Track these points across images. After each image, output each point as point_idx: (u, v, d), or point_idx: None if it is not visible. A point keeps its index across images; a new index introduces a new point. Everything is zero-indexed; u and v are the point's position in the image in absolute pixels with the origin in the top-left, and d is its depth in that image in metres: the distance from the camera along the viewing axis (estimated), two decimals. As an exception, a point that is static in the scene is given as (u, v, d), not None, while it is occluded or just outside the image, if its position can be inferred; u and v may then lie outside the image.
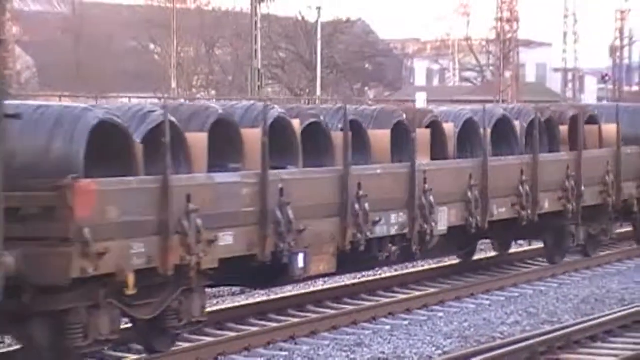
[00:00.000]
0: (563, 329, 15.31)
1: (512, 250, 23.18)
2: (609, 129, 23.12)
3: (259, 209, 14.47)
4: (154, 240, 12.89)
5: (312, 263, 15.53)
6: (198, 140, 14.27)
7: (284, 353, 14.45)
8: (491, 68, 78.17)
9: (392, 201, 17.05)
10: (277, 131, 15.19)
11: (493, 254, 22.55)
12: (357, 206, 16.07)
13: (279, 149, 15.23)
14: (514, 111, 21.63)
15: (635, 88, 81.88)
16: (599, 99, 78.68)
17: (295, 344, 15.05)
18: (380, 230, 16.76)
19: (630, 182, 23.21)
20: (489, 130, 19.46)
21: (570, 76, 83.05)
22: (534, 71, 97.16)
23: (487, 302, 18.15)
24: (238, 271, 15.00)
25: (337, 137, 16.44)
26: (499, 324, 16.33)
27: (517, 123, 20.76)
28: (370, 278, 19.56)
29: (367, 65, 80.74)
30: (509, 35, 67.92)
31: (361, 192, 16.14)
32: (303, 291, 18.42)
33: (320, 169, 16.15)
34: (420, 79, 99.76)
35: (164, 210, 12.96)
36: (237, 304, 17.46)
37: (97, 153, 12.85)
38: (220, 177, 14.25)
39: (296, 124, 15.93)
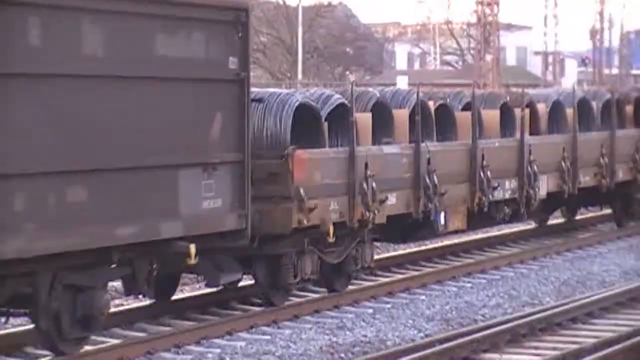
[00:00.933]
0: (544, 310, 15.38)
1: (494, 233, 23.26)
2: None
3: (413, 175, 17.90)
4: (344, 199, 16.37)
5: (450, 221, 18.91)
6: (365, 118, 17.41)
7: (266, 337, 14.46)
8: (472, 51, 78.22)
9: (506, 170, 20.40)
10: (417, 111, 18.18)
11: (477, 236, 22.58)
12: (482, 174, 19.36)
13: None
14: (590, 93, 25.49)
15: (615, 71, 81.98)
16: (579, 81, 78.87)
17: (278, 327, 15.07)
18: (498, 194, 20.00)
19: None
20: (575, 110, 22.71)
21: (550, 59, 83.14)
22: (515, 54, 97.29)
23: (469, 285, 18.23)
24: (395, 228, 18.19)
25: (460, 116, 19.90)
26: (481, 306, 16.40)
27: (593, 103, 24.06)
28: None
29: (348, 50, 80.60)
30: (490, 19, 67.79)
31: (484, 162, 19.41)
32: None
33: (456, 142, 19.61)
34: (401, 63, 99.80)
35: (350, 175, 16.43)
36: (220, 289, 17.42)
37: (295, 128, 16.00)
38: (387, 149, 17.69)
39: (431, 105, 19.00)
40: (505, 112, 21.13)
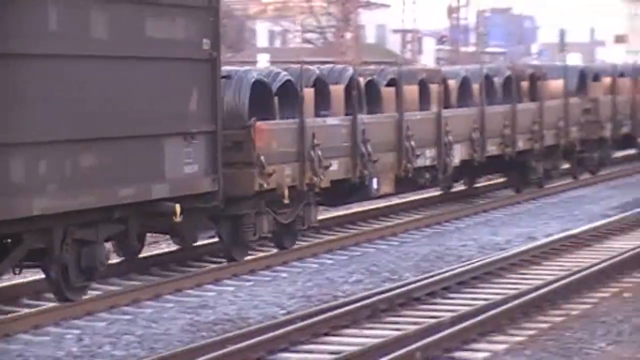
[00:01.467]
0: (403, 286, 15.55)
1: (359, 208, 23.41)
2: (556, 84, 29.33)
3: (351, 144, 20.32)
4: (295, 165, 18.74)
5: (381, 185, 21.33)
6: (309, 93, 19.43)
7: (127, 317, 14.39)
8: (332, 30, 78.45)
9: (426, 140, 22.84)
10: (352, 87, 20.59)
11: (334, 214, 22.69)
12: (407, 143, 21.81)
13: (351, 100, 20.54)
14: (492, 70, 27.90)
15: (472, 48, 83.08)
16: (437, 59, 79.71)
17: (139, 307, 14.98)
18: (420, 162, 22.51)
19: (574, 127, 29.51)
20: (481, 86, 25.52)
21: (409, 37, 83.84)
22: (374, 32, 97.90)
23: (330, 262, 18.32)
24: (335, 191, 20.43)
25: (385, 91, 22.24)
26: (342, 282, 16.50)
27: (496, 79, 26.70)
28: (212, 240, 19.47)
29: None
30: (349, -3, 68.17)
31: (409, 133, 21.92)
32: (147, 254, 18.23)
33: (385, 115, 21.94)
34: (262, 41, 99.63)
35: (300, 144, 18.79)
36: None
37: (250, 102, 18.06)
38: (329, 121, 20.14)
39: (361, 81, 21.29)
40: (423, 87, 23.55)
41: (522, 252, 18.28)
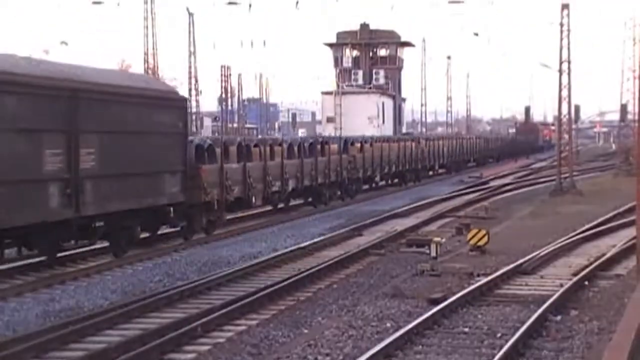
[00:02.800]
0: (190, 283, 15.47)
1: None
2: (334, 146, 33.51)
3: (242, 178, 24.51)
4: (218, 189, 22.73)
5: (257, 200, 26.18)
6: (223, 149, 23.90)
7: (-3, 309, 13.75)
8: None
9: (275, 176, 27.08)
10: (240, 148, 25.62)
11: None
12: (268, 177, 26.36)
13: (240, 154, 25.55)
14: (295, 140, 32.38)
15: (235, 125, 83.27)
16: (213, 132, 79.39)
17: (6, 301, 14.39)
18: (275, 188, 27.14)
19: (344, 170, 33.45)
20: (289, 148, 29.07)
21: (194, 117, 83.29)
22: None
23: (141, 268, 18.00)
24: (234, 204, 24.68)
25: (232, 149, 25.23)
26: (148, 282, 16.28)
27: (296, 145, 30.00)
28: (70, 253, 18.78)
29: None
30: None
31: (268, 171, 26.47)
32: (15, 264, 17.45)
33: (254, 163, 25.85)
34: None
35: (221, 177, 22.99)
36: None
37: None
38: (232, 166, 24.15)
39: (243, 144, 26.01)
40: (239, 147, 25.72)
41: (269, 259, 18.39)
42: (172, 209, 20.12)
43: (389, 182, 41.98)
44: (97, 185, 17.11)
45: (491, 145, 70.81)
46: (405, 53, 78.17)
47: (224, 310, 12.96)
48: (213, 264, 18.35)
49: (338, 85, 68.29)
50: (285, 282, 15.28)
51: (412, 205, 30.89)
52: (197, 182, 21.50)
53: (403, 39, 77.33)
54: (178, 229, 21.71)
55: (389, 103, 72.44)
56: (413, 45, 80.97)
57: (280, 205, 29.22)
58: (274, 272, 17.23)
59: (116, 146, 17.85)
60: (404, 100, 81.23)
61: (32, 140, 15.55)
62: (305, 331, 12.14)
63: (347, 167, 33.66)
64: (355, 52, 74.41)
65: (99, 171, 17.09)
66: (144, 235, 20.58)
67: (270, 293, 14.39)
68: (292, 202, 30.34)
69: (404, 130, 76.48)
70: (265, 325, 12.41)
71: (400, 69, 77.14)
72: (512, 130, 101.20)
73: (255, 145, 26.90)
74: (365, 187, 38.02)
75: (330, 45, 74.72)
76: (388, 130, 67.67)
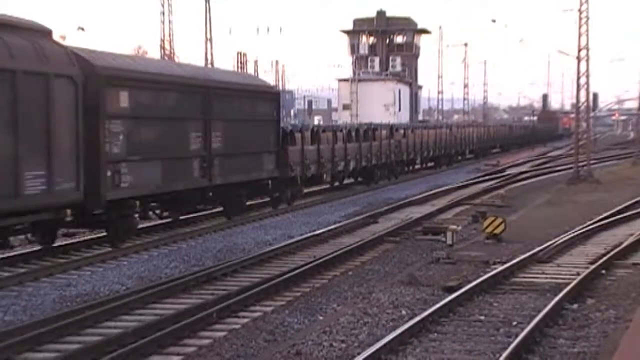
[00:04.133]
0: (206, 269, 15.51)
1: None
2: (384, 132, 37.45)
3: (317, 157, 29.05)
4: (300, 165, 27.59)
5: (328, 176, 32.59)
6: (299, 135, 28.04)
7: (13, 293, 13.94)
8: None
9: (349, 156, 32.67)
10: (313, 133, 29.92)
11: (161, 222, 22.35)
12: (335, 158, 31.05)
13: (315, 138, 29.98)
14: (353, 126, 35.60)
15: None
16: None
17: (22, 286, 14.50)
18: (339, 168, 31.98)
19: (392, 153, 37.71)
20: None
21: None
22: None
23: (156, 254, 18.06)
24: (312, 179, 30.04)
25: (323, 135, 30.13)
26: (164, 268, 16.34)
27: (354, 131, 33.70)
28: (73, 241, 18.89)
29: None
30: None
31: (338, 153, 31.48)
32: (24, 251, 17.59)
33: (323, 145, 30.00)
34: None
35: (301, 156, 27.47)
36: None
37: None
38: (310, 147, 28.63)
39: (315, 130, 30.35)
40: (312, 132, 29.65)
41: (284, 246, 18.41)
42: (269, 182, 25.23)
43: (424, 165, 46.28)
44: (222, 161, 21.97)
45: (515, 132, 74.51)
46: (421, 40, 77.92)
47: (239, 297, 12.99)
48: (228, 250, 18.39)
49: (354, 73, 68.17)
50: (300, 269, 15.30)
51: (427, 193, 30.84)
52: (284, 161, 25.83)
53: (419, 26, 77.02)
54: (267, 199, 26.38)
55: (405, 90, 72.25)
56: (429, 32, 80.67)
57: (336, 184, 33.60)
58: (289, 259, 17.24)
59: (234, 131, 22.60)
60: (420, 87, 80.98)
61: (182, 127, 20.51)
62: (321, 318, 12.16)
63: (395, 151, 37.93)
64: (371, 39, 74.22)
65: (223, 150, 21.96)
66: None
67: (285, 280, 14.42)
68: (347, 181, 34.88)
69: (419, 117, 76.28)
70: (280, 312, 12.44)
71: (416, 56, 76.91)
72: (529, 118, 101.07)
73: (324, 131, 30.96)
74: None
75: (347, 32, 74.56)
76: (404, 117, 67.53)
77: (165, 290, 13.73)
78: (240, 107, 23.45)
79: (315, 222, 23.15)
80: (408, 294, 13.56)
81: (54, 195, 15.53)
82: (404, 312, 12.36)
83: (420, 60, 78.12)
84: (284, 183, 26.08)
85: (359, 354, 9.93)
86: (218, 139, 21.71)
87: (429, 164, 46.68)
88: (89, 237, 19.51)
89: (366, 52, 73.43)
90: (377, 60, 73.25)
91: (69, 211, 16.28)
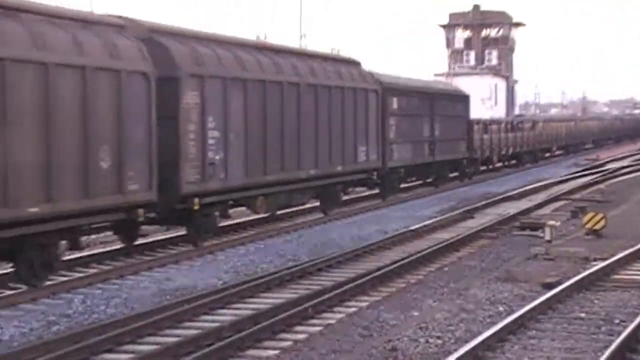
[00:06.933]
0: (301, 264, 15.55)
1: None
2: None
3: (511, 143, 42.57)
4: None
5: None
6: (480, 126, 39.77)
7: (115, 286, 14.23)
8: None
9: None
10: (507, 125, 44.28)
11: (258, 217, 22.55)
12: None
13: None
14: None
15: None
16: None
17: (124, 279, 14.79)
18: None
19: None
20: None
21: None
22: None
23: (253, 249, 18.16)
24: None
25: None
26: (260, 263, 16.42)
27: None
28: (169, 235, 19.21)
29: None
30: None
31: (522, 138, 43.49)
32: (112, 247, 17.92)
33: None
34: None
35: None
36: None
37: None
38: (485, 136, 39.27)
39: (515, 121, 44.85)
40: (482, 125, 39.06)
41: (378, 242, 18.33)
42: (464, 161, 34.55)
43: (550, 154, 52.51)
44: (440, 145, 31.52)
45: (626, 125, 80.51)
46: (517, 33, 76.62)
47: (334, 292, 12.98)
48: (323, 245, 18.38)
49: (450, 67, 67.49)
50: (396, 265, 15.20)
51: (525, 188, 30.29)
52: (471, 146, 35.17)
53: (515, 20, 75.74)
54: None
55: (501, 84, 71.24)
56: (524, 25, 79.25)
57: (483, 168, 38.93)
58: (384, 254, 17.16)
59: (445, 124, 32.22)
60: (516, 81, 79.62)
61: (420, 121, 30.27)
62: (416, 314, 12.05)
63: (538, 139, 46.67)
64: (467, 33, 73.38)
65: (440, 137, 31.63)
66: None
67: (380, 275, 14.34)
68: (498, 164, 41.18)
69: (516, 112, 75.05)
70: (375, 307, 12.37)
71: (512, 49, 75.66)
72: (629, 111, 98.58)
73: (491, 124, 40.03)
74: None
75: (443, 26, 73.92)
76: (500, 112, 66.59)
77: (261, 284, 13.82)
78: (448, 107, 32.91)
79: (411, 217, 22.99)
80: (505, 291, 13.32)
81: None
82: (501, 309, 12.14)
83: (515, 54, 76.78)
84: (470, 162, 35.42)
85: (455, 350, 9.78)
86: (437, 129, 31.25)
87: (559, 152, 54.75)
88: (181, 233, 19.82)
89: (461, 46, 72.63)
90: (472, 54, 72.46)
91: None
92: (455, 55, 70.86)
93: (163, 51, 16.61)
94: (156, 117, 15.73)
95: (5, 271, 14.54)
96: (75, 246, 14.80)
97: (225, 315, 12.06)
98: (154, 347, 10.36)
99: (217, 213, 18.52)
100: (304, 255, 17.15)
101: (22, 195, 12.74)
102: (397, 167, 27.76)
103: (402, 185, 30.05)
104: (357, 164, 24.39)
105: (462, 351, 9.54)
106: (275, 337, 10.93)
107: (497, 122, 42.48)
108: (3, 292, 13.62)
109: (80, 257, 16.19)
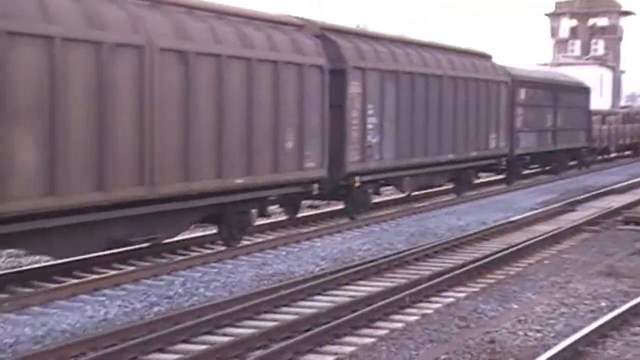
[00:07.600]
0: (398, 253, 15.53)
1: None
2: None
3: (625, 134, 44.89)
4: None
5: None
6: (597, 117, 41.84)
7: (214, 270, 14.41)
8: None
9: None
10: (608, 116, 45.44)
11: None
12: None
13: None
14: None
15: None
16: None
17: (223, 263, 14.99)
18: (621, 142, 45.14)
19: None
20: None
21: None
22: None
23: (350, 236, 18.26)
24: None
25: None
26: (357, 250, 16.47)
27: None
28: (272, 220, 19.46)
29: None
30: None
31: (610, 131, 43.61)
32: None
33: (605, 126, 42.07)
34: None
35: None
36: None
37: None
38: (603, 127, 41.52)
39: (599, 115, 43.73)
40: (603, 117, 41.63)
41: (477, 232, 18.18)
42: (583, 150, 35.73)
43: None
44: (560, 133, 33.00)
45: None
46: (625, 22, 74.43)
47: (432, 282, 12.90)
48: (420, 234, 18.34)
49: (554, 56, 66.11)
50: (495, 256, 15.01)
51: (630, 181, 29.48)
52: (590, 136, 36.75)
53: (624, 8, 73.59)
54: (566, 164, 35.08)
55: (607, 75, 69.41)
56: (634, 14, 76.86)
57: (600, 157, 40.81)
58: (483, 245, 17.00)
59: (566, 114, 33.35)
60: (622, 72, 77.43)
61: (543, 111, 31.34)
62: (515, 306, 11.87)
63: None
64: (573, 22, 71.70)
65: (560, 126, 32.82)
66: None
67: (478, 266, 14.19)
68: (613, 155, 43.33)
69: (622, 103, 73.01)
70: (473, 299, 12.24)
71: (619, 39, 73.57)
72: None
73: (609, 115, 42.04)
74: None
75: (549, 15, 72.42)
76: (606, 103, 64.86)
77: (358, 272, 13.85)
78: (570, 98, 33.93)
79: (510, 208, 22.69)
80: (608, 285, 13.00)
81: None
82: (603, 304, 11.86)
83: (623, 43, 74.64)
84: (589, 151, 36.98)
85: (555, 344, 9.60)
86: (560, 119, 32.47)
87: None
88: (280, 218, 20.02)
89: (567, 35, 71.02)
90: (577, 43, 70.77)
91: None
92: (560, 45, 69.34)
93: (333, 47, 18.81)
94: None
95: (207, 233, 17.05)
96: (263, 213, 17.11)
97: (322, 302, 12.11)
98: (251, 330, 10.49)
99: (370, 190, 20.56)
100: (400, 244, 17.11)
101: (232, 169, 15.23)
102: (523, 155, 29.66)
103: (524, 172, 31.69)
104: (488, 150, 26.18)
105: (562, 345, 9.36)
106: (372, 325, 10.93)
107: (614, 113, 44.65)
108: (213, 249, 16.40)
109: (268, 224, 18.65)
